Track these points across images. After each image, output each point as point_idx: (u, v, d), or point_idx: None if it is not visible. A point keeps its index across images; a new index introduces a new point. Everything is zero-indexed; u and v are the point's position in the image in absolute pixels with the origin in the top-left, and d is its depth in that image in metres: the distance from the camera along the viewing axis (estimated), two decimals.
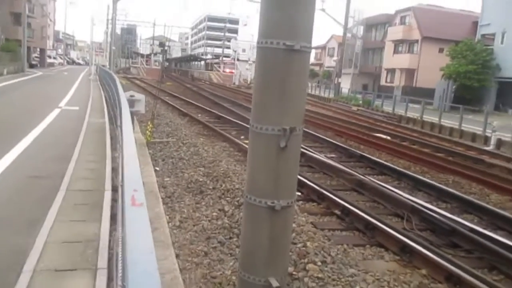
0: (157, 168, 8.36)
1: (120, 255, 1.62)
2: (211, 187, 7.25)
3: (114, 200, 5.31)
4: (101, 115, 13.04)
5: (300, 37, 3.05)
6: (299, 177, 7.57)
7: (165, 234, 5.03)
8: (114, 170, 6.57)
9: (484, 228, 6.25)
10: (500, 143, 15.67)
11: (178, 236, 5.33)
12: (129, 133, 3.57)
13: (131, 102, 9.99)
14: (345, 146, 12.27)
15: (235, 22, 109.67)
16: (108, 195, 5.57)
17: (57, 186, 5.71)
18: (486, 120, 17.67)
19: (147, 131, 10.78)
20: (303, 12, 3.07)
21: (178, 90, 32.24)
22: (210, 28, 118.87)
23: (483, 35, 36.21)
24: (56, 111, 13.01)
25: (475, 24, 38.37)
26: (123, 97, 7.78)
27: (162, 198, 6.47)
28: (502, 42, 34.05)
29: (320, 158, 10.04)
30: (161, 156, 9.44)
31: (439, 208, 7.10)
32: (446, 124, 19.75)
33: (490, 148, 15.22)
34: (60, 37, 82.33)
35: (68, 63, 74.76)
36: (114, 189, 5.74)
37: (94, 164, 7.07)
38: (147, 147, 9.98)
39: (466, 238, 5.71)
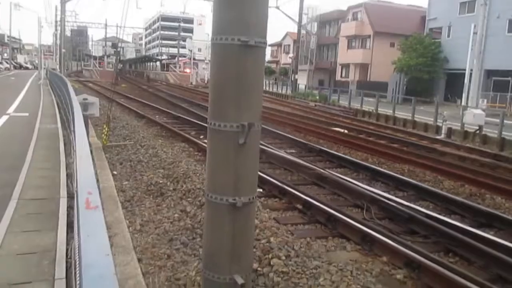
0: (115, 172, 8.14)
1: (77, 263, 1.55)
2: (171, 188, 7.14)
3: (70, 208, 5.13)
4: (53, 121, 12.56)
5: (255, 33, 3.04)
6: (260, 173, 7.60)
7: (126, 239, 4.91)
8: (70, 176, 6.34)
9: (439, 214, 6.50)
10: (450, 132, 16.35)
11: (139, 240, 5.21)
12: (82, 135, 3.45)
13: (85, 106, 9.68)
14: (304, 141, 12.41)
15: (190, 21, 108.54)
16: (63, 202, 5.38)
17: (8, 195, 5.45)
18: (436, 110, 18.40)
19: (103, 135, 10.48)
20: (257, 7, 3.07)
21: (133, 92, 31.55)
22: (164, 28, 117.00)
23: (431, 29, 37.66)
24: (3, 118, 12.42)
25: (423, 18, 39.85)
26: (75, 100, 7.53)
27: (121, 202, 6.31)
28: (448, 36, 35.53)
29: (280, 154, 10.11)
30: (118, 160, 9.21)
31: (396, 196, 7.32)
32: (400, 116, 20.41)
33: (442, 137, 15.86)
34: (5, 41, 78.59)
35: (15, 67, 71.46)
36: (70, 196, 5.54)
37: (48, 172, 6.80)
38: (104, 151, 9.71)
39: (422, 224, 5.92)
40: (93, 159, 8.39)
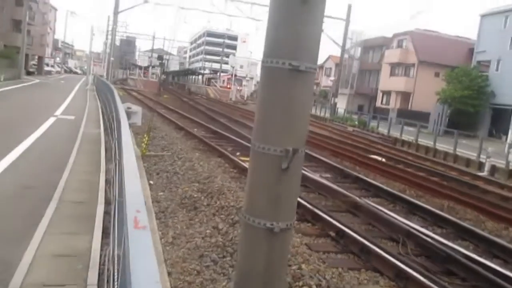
0: (151, 182, 8.27)
1: (115, 275, 1.55)
2: (205, 203, 7.16)
3: (106, 213, 5.22)
4: (96, 126, 12.95)
5: (305, 58, 3.03)
6: None
7: (158, 251, 4.93)
8: (108, 182, 6.48)
9: (480, 256, 6.19)
10: (494, 169, 15.71)
11: (170, 253, 5.23)
12: (130, 148, 3.51)
13: (128, 114, 9.96)
14: (340, 166, 12.23)
15: (234, 38, 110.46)
16: (100, 208, 5.48)
17: (49, 196, 5.61)
18: (480, 145, 17.75)
19: (143, 144, 10.69)
20: (309, 32, 3.06)
21: (174, 103, 32.22)
22: (209, 43, 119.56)
23: (478, 62, 36.71)
24: (51, 120, 12.92)
25: (471, 50, 38.92)
26: (122, 109, 7.74)
27: (155, 212, 6.38)
28: (497, 69, 34.52)
29: (316, 178, 9.98)
30: (155, 170, 9.35)
31: (434, 233, 7.05)
32: (441, 148, 19.83)
33: (484, 174, 15.25)
34: (59, 46, 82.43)
35: (65, 71, 74.70)
36: (107, 202, 5.64)
37: (88, 175, 6.98)
38: (142, 160, 9.89)
39: (461, 265, 5.65)
40: None
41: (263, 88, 3.20)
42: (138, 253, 1.26)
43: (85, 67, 56.46)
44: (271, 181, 3.09)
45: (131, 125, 10.65)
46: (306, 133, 3.23)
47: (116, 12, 35.25)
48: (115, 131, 7.59)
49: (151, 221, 5.78)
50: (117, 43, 73.38)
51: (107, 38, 50.14)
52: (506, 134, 24.85)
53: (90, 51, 48.49)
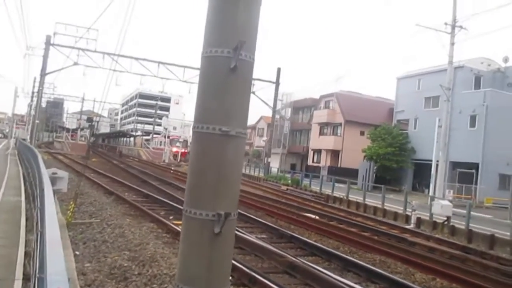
0: (77, 253, 7.74)
1: None
2: (136, 272, 6.79)
3: None
4: (17, 193, 12.09)
5: (235, 123, 3.10)
6: None
7: None
8: (28, 255, 5.97)
9: None
10: (419, 221, 16.53)
11: None
12: (53, 218, 3.30)
13: (53, 180, 9.44)
14: (275, 226, 12.26)
15: (167, 100, 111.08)
16: (18, 285, 4.99)
17: None
18: (405, 199, 18.72)
19: (68, 212, 10.09)
20: (238, 99, 3.15)
21: (104, 166, 31.12)
22: (141, 105, 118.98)
23: (398, 121, 39.61)
24: None
25: (391, 110, 42.02)
26: (46, 175, 7.32)
27: (81, 286, 5.91)
28: (415, 127, 37.36)
29: (251, 239, 9.89)
30: (82, 239, 8.80)
31: None
32: (370, 203, 20.62)
33: (411, 226, 15.99)
34: None
35: None
36: (27, 278, 5.17)
37: (4, 249, 6.40)
38: (67, 228, 9.28)
39: None
40: None
41: (194, 153, 3.20)
42: None
43: (7, 130, 53.49)
44: (203, 246, 3.01)
45: (56, 192, 10.09)
46: (237, 197, 3.24)
47: (43, 74, 34.26)
48: (38, 199, 7.12)
49: None
50: (44, 105, 70.92)
51: (32, 100, 48.34)
52: (428, 187, 26.53)
53: (12, 113, 46.23)
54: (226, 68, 3.07)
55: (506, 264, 10.73)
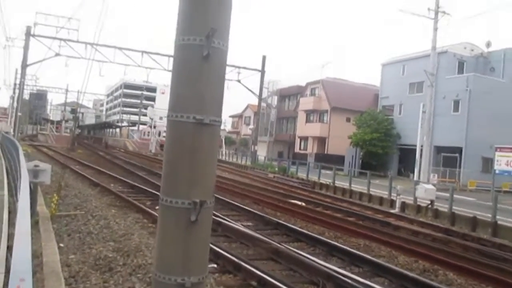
0: (62, 245, 7.70)
1: None
2: (121, 263, 6.79)
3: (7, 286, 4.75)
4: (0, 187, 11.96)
5: (210, 111, 3.10)
6: (215, 247, 7.42)
7: None
8: (11, 249, 5.93)
9: None
10: (404, 205, 16.78)
11: None
12: (24, 209, 3.28)
13: (35, 173, 9.34)
14: (261, 213, 12.34)
15: (153, 90, 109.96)
16: (0, 279, 4.97)
17: None
18: (390, 185, 18.96)
19: (52, 204, 10.02)
20: (212, 87, 3.15)
21: (89, 158, 30.86)
22: (126, 95, 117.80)
23: (383, 106, 39.91)
24: None
25: (377, 96, 42.30)
26: (24, 167, 7.25)
27: (65, 278, 5.90)
28: (400, 113, 37.70)
29: (237, 227, 9.95)
30: (66, 231, 8.75)
31: (352, 273, 7.27)
32: (356, 189, 20.84)
33: (396, 211, 16.22)
34: None
35: None
36: (9, 272, 5.15)
37: None
38: (52, 221, 9.23)
39: None
40: (38, 230, 7.97)
41: (169, 142, 3.20)
42: None
43: None
44: (180, 234, 3.04)
45: (39, 184, 10.00)
46: (213, 185, 3.26)
47: (24, 66, 33.67)
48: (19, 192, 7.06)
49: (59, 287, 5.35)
50: (27, 97, 69.82)
51: (14, 92, 47.54)
52: (413, 172, 26.89)
53: None
54: (199, 56, 3.06)
55: (487, 245, 10.99)
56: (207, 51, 3.04)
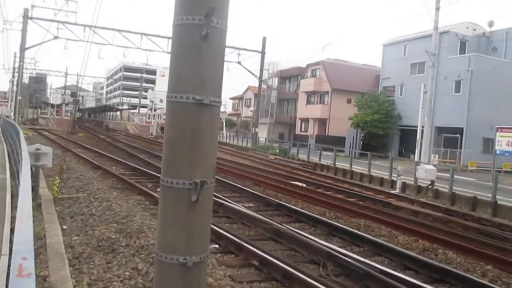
0: (65, 227, 7.78)
1: None
2: (124, 244, 6.87)
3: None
4: (1, 171, 12.00)
5: (209, 92, 3.09)
6: (217, 228, 7.49)
7: None
8: (14, 231, 5.99)
9: (394, 269, 6.54)
10: (404, 186, 16.84)
11: None
12: (26, 191, 3.30)
13: (37, 156, 9.36)
14: (263, 195, 12.40)
15: (153, 72, 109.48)
16: (4, 260, 5.03)
17: None
18: (391, 165, 19.00)
19: (54, 186, 10.08)
20: (211, 67, 3.14)
21: (91, 141, 30.89)
22: (126, 78, 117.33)
23: (384, 87, 39.71)
24: None
25: (378, 77, 42.04)
26: (25, 150, 7.27)
27: (68, 259, 5.97)
28: (401, 94, 37.51)
29: (238, 208, 10.02)
30: (69, 213, 8.83)
31: (352, 252, 7.34)
32: (357, 170, 20.89)
33: (396, 191, 16.29)
34: None
35: None
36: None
37: None
38: (54, 203, 9.29)
39: (378, 281, 5.92)
40: (41, 213, 8.03)
41: (169, 123, 3.21)
42: None
43: None
44: (181, 215, 3.07)
45: (41, 167, 10.04)
46: (214, 165, 3.27)
47: (22, 49, 33.43)
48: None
49: (63, 268, 5.41)
50: (26, 81, 69.55)
51: (13, 76, 47.34)
52: (414, 153, 26.90)
53: None
54: (198, 36, 3.04)
55: (487, 224, 11.07)
56: (206, 31, 3.01)
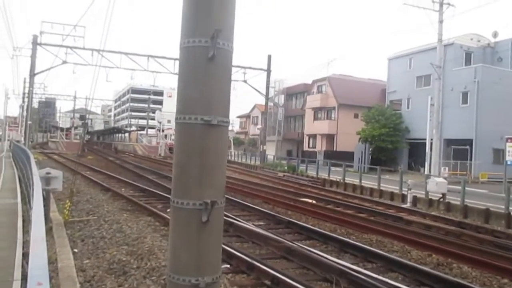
0: (76, 250, 7.78)
1: None
2: (135, 266, 6.85)
3: None
4: (13, 195, 12.10)
5: (217, 112, 3.12)
6: (228, 248, 7.45)
7: None
8: (26, 256, 6.01)
9: (408, 285, 6.44)
10: (415, 200, 16.67)
11: None
12: (39, 216, 3.32)
13: (47, 180, 9.45)
14: (272, 213, 12.34)
15: (160, 93, 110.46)
16: (17, 285, 5.04)
17: None
18: (401, 179, 18.85)
19: (65, 210, 10.12)
20: (218, 88, 3.17)
21: (100, 164, 31.08)
22: (134, 100, 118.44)
23: (391, 101, 39.67)
24: None
25: (384, 91, 42.05)
26: (36, 175, 7.33)
27: (80, 283, 5.97)
28: (408, 107, 37.45)
29: (248, 227, 9.97)
30: (80, 237, 8.84)
31: (365, 269, 7.25)
32: (367, 185, 20.74)
33: (407, 205, 16.13)
34: None
35: None
36: (25, 278, 5.21)
37: (2, 251, 6.44)
38: (65, 227, 9.33)
39: None
40: (52, 237, 8.05)
41: (178, 144, 3.23)
42: None
43: (0, 133, 53.29)
44: (192, 235, 3.06)
45: (52, 191, 10.10)
46: (223, 185, 3.28)
47: (32, 74, 34.00)
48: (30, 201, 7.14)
49: None
50: (36, 105, 70.47)
51: (23, 101, 48.02)
52: (424, 165, 26.72)
53: (5, 116, 45.95)
54: (205, 58, 3.08)
55: (501, 236, 10.89)
56: (213, 52, 3.05)
